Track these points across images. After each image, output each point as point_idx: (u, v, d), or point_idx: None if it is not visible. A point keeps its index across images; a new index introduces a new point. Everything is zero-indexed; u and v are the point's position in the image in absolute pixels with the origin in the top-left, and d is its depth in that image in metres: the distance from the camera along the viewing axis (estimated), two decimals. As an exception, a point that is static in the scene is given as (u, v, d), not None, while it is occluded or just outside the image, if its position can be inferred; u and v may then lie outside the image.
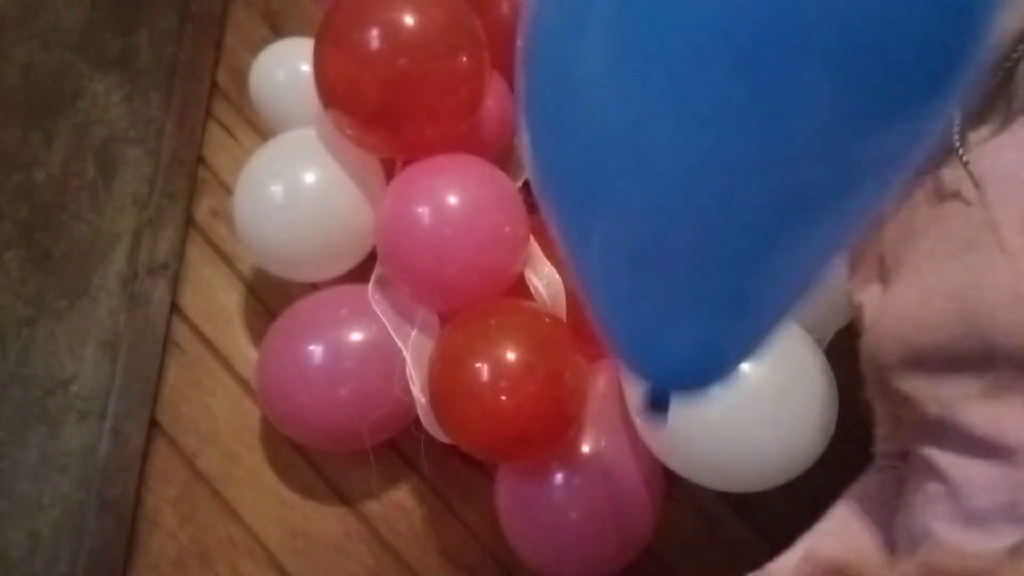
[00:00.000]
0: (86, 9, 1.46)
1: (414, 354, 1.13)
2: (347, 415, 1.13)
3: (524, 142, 0.48)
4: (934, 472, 0.63)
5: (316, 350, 1.13)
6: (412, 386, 1.11)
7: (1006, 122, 0.70)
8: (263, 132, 1.41)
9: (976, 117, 0.72)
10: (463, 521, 1.30)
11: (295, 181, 1.14)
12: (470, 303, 1.10)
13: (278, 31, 1.55)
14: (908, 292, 0.68)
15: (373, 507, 1.31)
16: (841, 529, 0.74)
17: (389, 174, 1.18)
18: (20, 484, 1.23)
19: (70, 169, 1.37)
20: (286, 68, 1.25)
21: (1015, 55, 0.68)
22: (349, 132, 1.12)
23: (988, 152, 0.67)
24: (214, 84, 1.51)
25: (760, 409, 0.96)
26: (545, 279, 1.12)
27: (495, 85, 1.19)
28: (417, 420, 1.13)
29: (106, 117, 1.42)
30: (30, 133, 1.38)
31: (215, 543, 1.28)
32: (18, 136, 1.37)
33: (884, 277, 0.73)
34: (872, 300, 0.73)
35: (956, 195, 0.67)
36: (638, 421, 1.07)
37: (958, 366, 0.62)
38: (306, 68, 1.16)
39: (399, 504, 1.31)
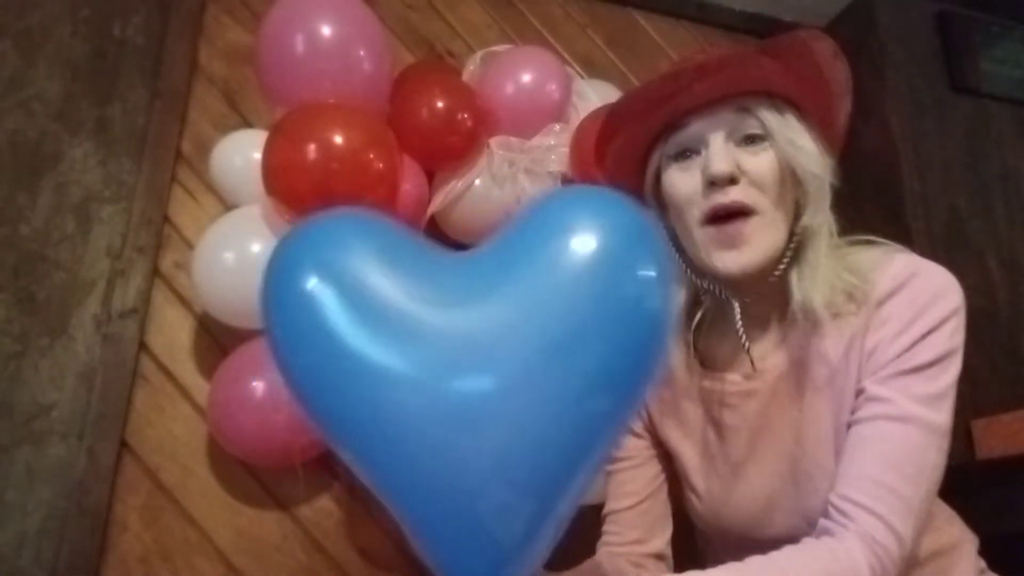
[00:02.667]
0: (67, 82, 1.59)
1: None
2: (282, 437, 1.34)
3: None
4: None
5: (258, 385, 1.35)
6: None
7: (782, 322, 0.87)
8: (221, 197, 1.55)
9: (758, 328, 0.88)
10: (377, 522, 1.49)
11: (244, 250, 1.36)
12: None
13: (235, 107, 1.72)
14: None
15: (305, 512, 1.50)
16: None
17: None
18: (9, 494, 1.35)
19: (51, 224, 1.51)
20: (242, 155, 1.46)
21: (778, 270, 0.84)
22: (287, 217, 1.32)
23: None
24: (179, 153, 1.65)
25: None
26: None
27: (409, 169, 1.39)
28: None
29: (84, 179, 1.55)
30: (16, 192, 1.51)
31: (174, 543, 1.45)
32: (5, 194, 1.50)
33: None
34: None
35: None
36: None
37: None
38: (258, 156, 1.36)
39: (326, 509, 1.50)
